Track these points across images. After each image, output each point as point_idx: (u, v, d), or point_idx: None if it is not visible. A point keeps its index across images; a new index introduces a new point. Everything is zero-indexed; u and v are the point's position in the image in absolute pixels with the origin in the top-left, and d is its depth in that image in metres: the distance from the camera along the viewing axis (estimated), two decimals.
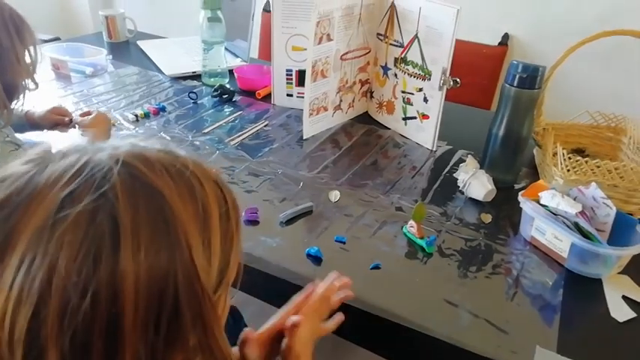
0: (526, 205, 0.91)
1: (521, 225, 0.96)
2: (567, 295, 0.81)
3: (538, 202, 0.91)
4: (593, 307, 0.80)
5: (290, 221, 0.95)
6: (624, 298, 0.80)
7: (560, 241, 0.86)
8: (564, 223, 0.87)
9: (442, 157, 1.24)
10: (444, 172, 1.16)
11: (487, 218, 0.99)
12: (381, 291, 0.80)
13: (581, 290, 0.83)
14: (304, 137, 1.29)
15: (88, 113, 1.17)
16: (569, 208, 0.84)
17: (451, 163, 1.20)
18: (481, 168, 1.08)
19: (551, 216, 0.87)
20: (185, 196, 0.40)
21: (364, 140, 1.32)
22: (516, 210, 0.97)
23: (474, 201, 1.04)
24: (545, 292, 0.82)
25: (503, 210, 1.02)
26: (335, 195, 1.04)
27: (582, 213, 0.85)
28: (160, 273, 0.38)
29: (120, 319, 0.36)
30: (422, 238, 0.90)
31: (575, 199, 0.90)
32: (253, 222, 0.94)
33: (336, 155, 1.22)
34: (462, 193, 1.06)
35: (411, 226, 0.92)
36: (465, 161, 1.09)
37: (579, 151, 1.22)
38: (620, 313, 0.76)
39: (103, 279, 0.36)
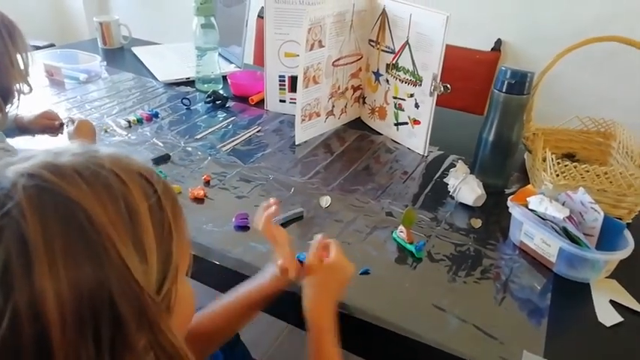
0: (515, 209, 0.91)
1: (510, 230, 0.96)
2: (555, 300, 0.81)
3: (527, 206, 0.92)
4: (580, 311, 0.80)
5: (283, 226, 0.96)
6: (612, 302, 0.81)
7: (548, 246, 0.86)
8: (552, 227, 0.87)
9: (433, 162, 1.24)
10: (434, 177, 1.17)
11: (477, 223, 1.00)
12: (370, 296, 0.80)
13: (569, 295, 0.83)
14: (296, 143, 1.29)
15: (72, 121, 1.17)
16: (556, 213, 0.85)
17: (442, 169, 1.21)
18: (471, 173, 1.09)
19: (539, 221, 0.88)
20: (103, 197, 0.38)
21: (356, 146, 1.32)
22: (506, 215, 0.98)
23: (464, 206, 1.05)
24: (534, 297, 0.82)
25: (493, 215, 1.03)
26: (326, 200, 1.04)
27: (570, 218, 0.85)
28: (87, 285, 0.36)
29: (47, 339, 0.35)
30: (411, 243, 0.91)
31: (563, 204, 0.90)
32: (244, 227, 0.95)
33: (328, 161, 1.23)
34: (453, 198, 1.06)
35: (401, 232, 0.92)
36: (455, 166, 1.10)
37: (570, 156, 1.22)
38: (608, 317, 0.76)
39: (21, 302, 0.34)
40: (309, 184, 1.11)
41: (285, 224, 0.96)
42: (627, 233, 0.85)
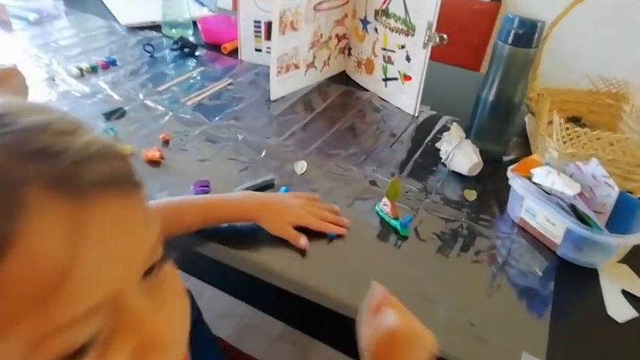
0: (516, 182, 0.79)
1: (509, 204, 0.85)
2: (559, 288, 0.71)
3: (530, 179, 0.80)
4: (588, 303, 0.70)
5: None
6: (624, 292, 0.70)
7: (553, 225, 0.75)
8: (559, 204, 0.76)
9: (424, 124, 1.11)
10: (425, 142, 1.04)
11: (471, 195, 0.88)
12: (344, 281, 0.69)
13: (575, 283, 0.73)
14: (272, 98, 1.15)
15: None
16: (566, 188, 0.73)
17: (434, 131, 1.08)
18: (467, 137, 0.96)
19: (543, 196, 0.76)
20: None
21: (340, 103, 1.18)
22: (504, 186, 0.86)
23: (457, 175, 0.93)
24: (534, 284, 0.71)
25: (490, 186, 0.91)
26: (301, 166, 0.91)
27: (581, 194, 0.74)
28: None
29: None
30: (396, 218, 0.79)
31: (571, 177, 0.79)
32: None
33: (307, 119, 1.09)
34: (445, 165, 0.94)
35: (385, 205, 0.80)
36: (449, 129, 0.97)
37: (575, 120, 1.10)
38: (620, 312, 0.66)
39: None
40: (284, 147, 0.98)
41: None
42: None
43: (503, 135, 0.97)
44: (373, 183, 0.90)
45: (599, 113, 1.10)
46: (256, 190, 0.84)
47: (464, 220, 0.82)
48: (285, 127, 1.05)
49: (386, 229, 0.79)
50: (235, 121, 1.05)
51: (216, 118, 1.05)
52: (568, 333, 0.65)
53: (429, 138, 1.05)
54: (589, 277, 0.74)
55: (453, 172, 0.93)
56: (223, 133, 1.00)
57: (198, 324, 0.88)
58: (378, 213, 0.82)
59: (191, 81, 1.20)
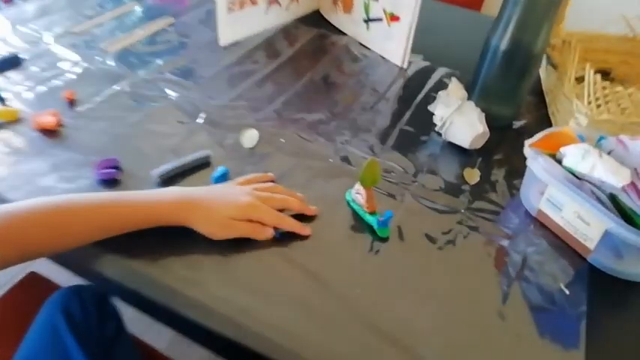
0: (536, 162, 0.58)
1: (522, 189, 0.64)
2: (593, 309, 0.52)
3: (555, 157, 0.59)
4: (633, 328, 0.51)
5: (170, 181, 0.61)
6: None
7: (585, 225, 0.55)
8: (593, 193, 0.55)
9: (415, 79, 0.88)
10: (415, 102, 0.81)
11: (473, 176, 0.67)
12: (289, 307, 0.49)
13: (614, 301, 0.54)
14: (221, 43, 0.90)
15: None
16: (611, 176, 0.52)
17: (427, 88, 0.85)
18: (469, 98, 0.74)
19: (573, 183, 0.56)
20: None
21: (310, 50, 0.94)
22: (516, 163, 0.66)
23: (455, 148, 0.71)
24: (561, 304, 0.52)
25: (497, 163, 0.70)
26: (250, 137, 0.69)
27: (630, 184, 0.53)
28: None
29: None
30: (373, 212, 0.58)
31: (609, 154, 0.58)
32: (109, 182, 0.59)
33: (265, 72, 0.85)
34: (440, 135, 0.72)
35: (358, 193, 0.59)
36: (446, 87, 0.74)
37: (602, 74, 0.87)
38: None
39: None
40: (231, 110, 0.75)
41: (178, 176, 0.61)
42: None
43: (516, 94, 0.75)
44: (345, 160, 0.68)
45: (634, 65, 0.87)
46: (183, 172, 0.62)
47: (463, 212, 0.62)
48: (235, 82, 0.81)
49: (360, 226, 0.58)
50: (171, 74, 0.81)
51: (143, 71, 0.81)
52: None
53: (420, 97, 0.82)
54: (633, 292, 0.54)
55: (450, 143, 0.72)
56: (151, 90, 0.76)
57: (117, 339, 0.68)
58: (349, 203, 0.61)
59: (119, 20, 0.94)
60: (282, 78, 0.84)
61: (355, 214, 0.60)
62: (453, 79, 0.74)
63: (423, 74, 0.89)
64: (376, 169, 0.57)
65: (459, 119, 0.68)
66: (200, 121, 0.71)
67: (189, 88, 0.78)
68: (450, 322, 0.49)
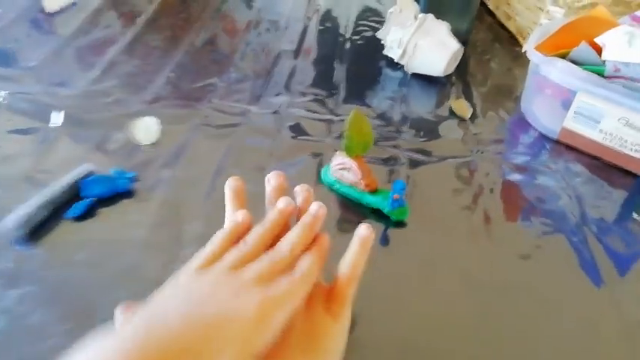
0: (556, 69, 0.43)
1: (529, 111, 0.50)
2: None
3: (572, 61, 0.45)
4: None
5: (39, 231, 0.35)
6: None
7: (637, 132, 0.42)
8: (629, 88, 0.42)
9: (333, 7, 0.69)
10: (350, 35, 0.62)
11: (464, 109, 0.51)
12: None
13: None
14: (47, 9, 0.62)
15: None
16: None
17: (352, 16, 0.66)
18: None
19: (604, 84, 0.42)
20: None
21: (179, 1, 0.70)
22: (500, 83, 0.52)
23: (423, 81, 0.54)
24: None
25: (477, 86, 0.55)
26: (147, 128, 0.45)
27: None
28: None
29: None
30: (374, 190, 0.39)
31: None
32: None
33: (130, 36, 0.59)
34: (399, 67, 0.55)
35: (343, 168, 0.39)
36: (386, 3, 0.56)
37: None
38: None
39: None
40: (96, 97, 0.49)
41: (53, 217, 0.36)
42: None
43: (472, 2, 0.59)
44: (297, 129, 0.47)
45: None
46: (56, 210, 0.36)
47: (474, 154, 0.45)
48: (89, 58, 0.55)
49: (355, 213, 0.39)
50: None
51: None
52: None
53: (352, 26, 0.64)
54: None
55: (415, 75, 0.55)
56: None
57: None
58: (331, 186, 0.41)
59: None
60: (153, 43, 0.59)
61: (344, 199, 0.40)
62: None
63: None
64: (365, 127, 0.38)
65: (424, 41, 0.51)
66: (56, 122, 0.45)
67: (18, 80, 0.50)
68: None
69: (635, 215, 0.41)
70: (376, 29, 0.60)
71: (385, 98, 0.52)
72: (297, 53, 0.59)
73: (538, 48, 0.46)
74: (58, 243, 0.35)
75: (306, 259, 0.25)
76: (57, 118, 0.45)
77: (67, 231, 0.36)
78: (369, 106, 0.51)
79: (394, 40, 0.52)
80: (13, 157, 0.41)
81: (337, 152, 0.40)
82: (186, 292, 0.22)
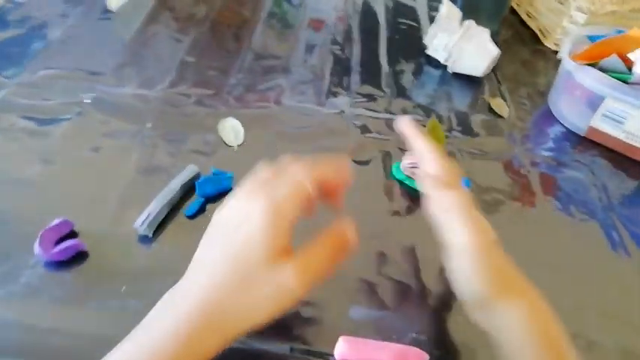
0: (588, 77, 0.51)
1: (558, 110, 0.57)
2: None
3: (601, 69, 0.52)
4: None
5: (159, 229, 0.41)
6: None
7: None
8: None
9: (367, 5, 0.74)
10: (389, 30, 0.68)
11: (501, 107, 0.58)
12: None
13: None
14: (109, 6, 0.65)
15: None
16: None
17: (384, 15, 0.71)
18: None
19: (628, 91, 0.49)
20: None
21: None
22: (525, 79, 0.59)
23: (463, 81, 0.61)
24: None
25: (509, 85, 0.61)
26: (234, 130, 0.50)
27: None
28: None
29: None
30: None
31: None
32: (70, 262, 0.38)
33: (193, 36, 0.63)
34: (439, 65, 0.61)
35: (415, 166, 0.46)
36: (437, 11, 0.62)
37: None
38: None
39: None
40: (181, 99, 0.54)
41: (170, 214, 0.42)
42: None
43: (503, 4, 0.65)
44: (364, 128, 0.53)
45: None
46: (173, 208, 0.42)
47: (516, 149, 0.52)
48: (162, 58, 0.59)
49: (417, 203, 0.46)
50: (57, 61, 0.56)
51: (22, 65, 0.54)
52: None
53: (389, 23, 0.69)
54: None
55: (456, 75, 0.61)
56: (47, 94, 0.51)
57: None
58: (401, 182, 0.47)
59: None
60: (217, 40, 0.63)
61: (409, 194, 0.47)
62: (445, 0, 0.62)
63: None
64: (440, 133, 0.45)
65: (468, 45, 0.57)
66: (148, 125, 0.50)
67: (101, 81, 0.54)
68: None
69: None
70: (411, 25, 0.66)
71: (429, 96, 0.58)
72: (344, 51, 0.64)
73: (579, 57, 0.53)
74: (178, 239, 0.40)
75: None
76: (147, 123, 0.50)
77: (183, 228, 0.41)
78: (417, 105, 0.57)
79: (440, 43, 0.58)
80: (115, 158, 0.46)
81: (407, 152, 0.47)
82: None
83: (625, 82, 0.51)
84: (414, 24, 0.70)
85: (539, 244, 0.44)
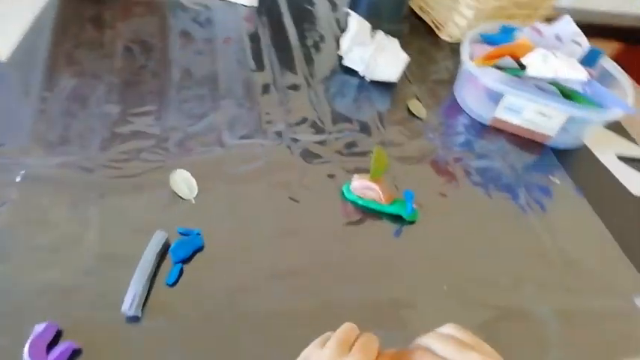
0: (490, 77, 0.58)
1: (468, 103, 0.64)
2: (579, 180, 0.59)
3: (497, 67, 0.60)
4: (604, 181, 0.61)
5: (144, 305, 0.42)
6: (620, 158, 0.63)
7: (547, 118, 0.59)
8: (539, 88, 0.59)
9: (271, 14, 0.74)
10: (300, 40, 0.70)
11: (419, 108, 0.64)
12: None
13: (582, 167, 0.62)
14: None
15: None
16: (575, 73, 0.56)
17: (287, 22, 0.73)
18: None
19: (527, 85, 0.58)
20: None
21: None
22: (437, 79, 0.65)
23: (379, 87, 0.66)
24: (570, 192, 0.58)
25: (420, 87, 0.68)
26: (187, 181, 0.50)
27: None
28: None
29: None
30: (391, 202, 0.51)
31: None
32: None
33: (110, 80, 0.60)
34: (358, 76, 0.65)
35: (367, 188, 0.50)
36: (311, 14, 0.65)
37: None
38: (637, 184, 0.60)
39: None
40: (115, 163, 0.52)
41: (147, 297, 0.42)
42: (609, 62, 0.64)
43: (403, 4, 0.70)
44: (305, 153, 0.56)
45: None
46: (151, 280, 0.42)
47: (444, 149, 0.59)
48: (83, 115, 0.56)
49: (373, 220, 0.51)
50: None
51: None
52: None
53: (293, 37, 0.71)
54: (583, 154, 0.63)
55: (373, 83, 0.65)
56: None
57: None
58: (355, 203, 0.52)
59: None
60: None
61: (366, 212, 0.52)
62: (350, 12, 0.65)
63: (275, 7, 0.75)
64: (384, 157, 0.49)
65: (382, 56, 0.62)
66: (17, 179, 0.48)
67: (25, 154, 0.50)
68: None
69: (551, 177, 0.60)
70: (319, 34, 0.69)
71: (354, 107, 0.63)
72: (263, 70, 0.65)
73: (480, 60, 0.60)
74: (165, 309, 0.41)
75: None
76: (17, 177, 0.48)
77: (166, 296, 0.42)
78: (348, 119, 0.61)
79: (356, 57, 0.62)
80: (73, 241, 0.45)
81: (355, 176, 0.51)
82: None
83: (518, 76, 0.59)
84: (320, 30, 0.73)
85: (473, 227, 0.52)
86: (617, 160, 0.63)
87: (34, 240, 0.44)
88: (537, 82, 0.59)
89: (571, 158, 0.62)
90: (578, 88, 0.58)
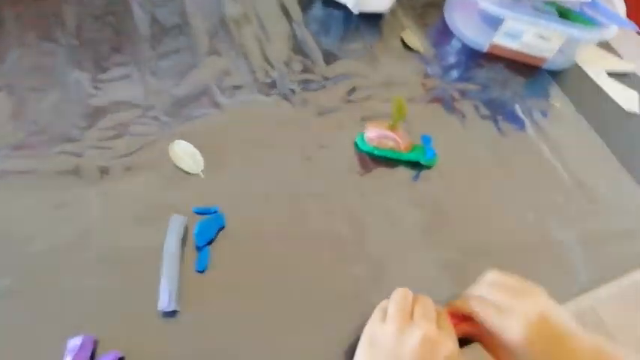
0: (489, 2, 0.55)
1: (462, 29, 0.61)
2: (575, 100, 0.59)
3: None
4: (601, 100, 0.61)
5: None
6: (610, 75, 0.63)
7: (546, 41, 0.57)
8: (535, 8, 0.56)
9: None
10: None
11: (416, 41, 0.60)
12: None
13: (576, 86, 0.61)
14: None
15: None
16: None
17: None
18: None
19: (525, 6, 0.55)
20: None
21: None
22: (425, 4, 0.62)
23: (369, 20, 0.60)
24: (568, 114, 0.58)
25: (413, 18, 0.63)
26: (192, 156, 0.45)
27: None
28: None
29: None
30: (410, 149, 0.49)
31: None
32: None
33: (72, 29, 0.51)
34: (339, 7, 0.59)
35: (385, 137, 0.48)
36: None
37: None
38: (626, 99, 0.60)
39: None
40: (103, 147, 0.45)
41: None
42: None
43: None
44: (302, 102, 0.51)
45: None
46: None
47: (447, 84, 0.56)
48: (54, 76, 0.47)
49: (393, 169, 0.49)
50: None
51: None
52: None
53: None
54: (578, 74, 0.63)
55: (362, 16, 0.60)
56: None
57: None
58: (370, 153, 0.49)
59: None
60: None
61: (382, 160, 0.49)
62: None
63: None
64: (404, 107, 0.46)
65: None
66: (94, 187, 0.42)
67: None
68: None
69: (551, 101, 0.59)
70: None
71: (341, 43, 0.58)
72: (235, 4, 0.58)
73: None
74: (201, 298, 0.38)
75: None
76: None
77: (196, 283, 0.39)
78: (337, 56, 0.56)
79: None
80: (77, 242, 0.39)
81: (368, 126, 0.48)
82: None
83: None
84: None
85: (490, 163, 0.51)
86: (608, 77, 0.63)
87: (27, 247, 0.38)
88: (533, 2, 0.56)
89: (566, 79, 0.62)
90: (574, 7, 0.56)
